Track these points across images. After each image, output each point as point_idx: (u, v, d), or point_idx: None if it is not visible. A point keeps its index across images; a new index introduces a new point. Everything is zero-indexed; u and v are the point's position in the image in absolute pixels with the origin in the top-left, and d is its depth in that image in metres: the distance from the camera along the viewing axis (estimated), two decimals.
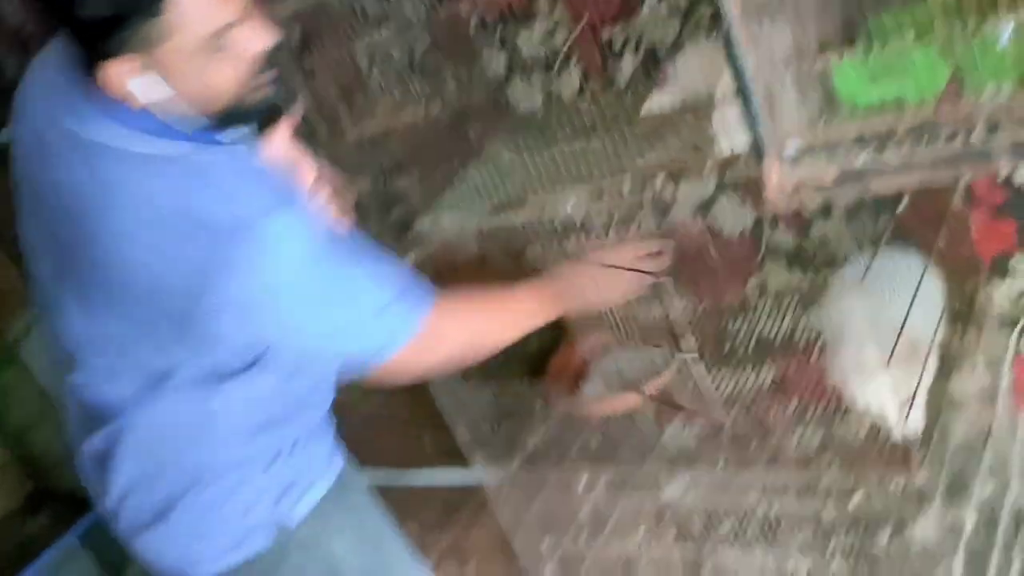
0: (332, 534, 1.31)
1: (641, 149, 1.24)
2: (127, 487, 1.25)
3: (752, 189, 0.97)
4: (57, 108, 1.09)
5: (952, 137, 0.81)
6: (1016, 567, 1.53)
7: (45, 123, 1.11)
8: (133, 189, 1.04)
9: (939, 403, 1.36)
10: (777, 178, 0.89)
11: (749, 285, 1.65)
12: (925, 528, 1.30)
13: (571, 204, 1.24)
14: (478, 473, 1.76)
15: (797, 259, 1.65)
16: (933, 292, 1.38)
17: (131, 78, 0.99)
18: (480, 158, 1.40)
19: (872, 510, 1.39)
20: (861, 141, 0.85)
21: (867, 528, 1.51)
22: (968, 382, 1.44)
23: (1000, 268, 1.57)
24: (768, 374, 1.54)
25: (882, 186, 0.83)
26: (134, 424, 1.19)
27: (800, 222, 1.52)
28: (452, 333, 1.22)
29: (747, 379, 1.54)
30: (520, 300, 1.31)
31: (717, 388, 1.49)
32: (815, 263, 1.52)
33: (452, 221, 1.34)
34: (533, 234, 1.39)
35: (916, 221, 1.49)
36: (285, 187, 1.12)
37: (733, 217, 1.46)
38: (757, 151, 0.89)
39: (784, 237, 1.56)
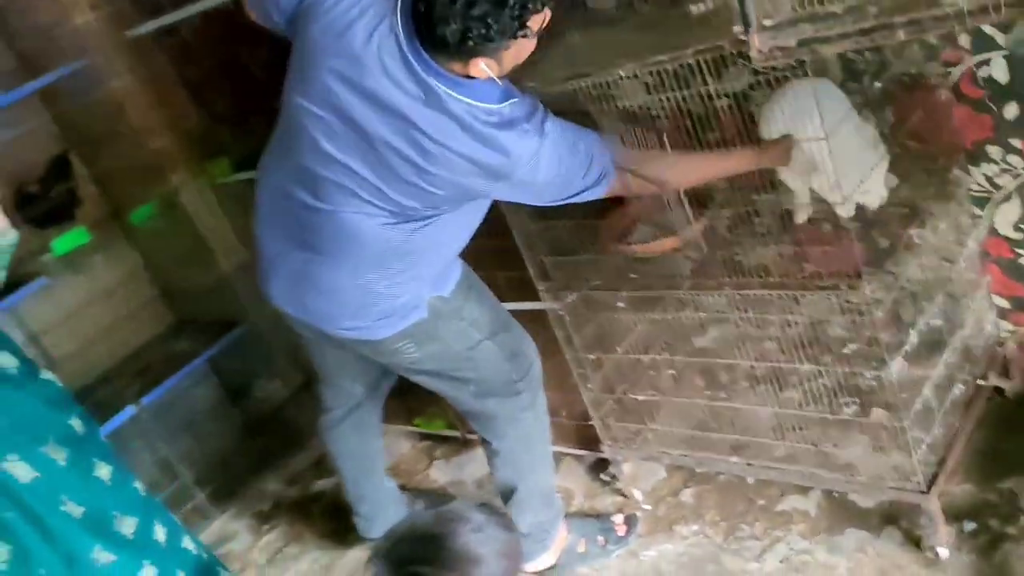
0: (465, 302, 1.91)
1: (681, 37, 1.63)
2: (331, 287, 1.78)
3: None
4: (389, 44, 1.54)
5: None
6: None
7: (370, 44, 1.55)
8: (452, 126, 1.54)
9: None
10: (758, 43, 1.29)
11: None
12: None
13: (622, 73, 1.66)
14: (544, 302, 2.20)
15: None
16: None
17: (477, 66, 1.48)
18: (560, 39, 1.82)
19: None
20: (815, 19, 1.24)
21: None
22: (931, 237, 1.82)
23: (977, 153, 1.92)
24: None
25: (826, 51, 1.23)
26: (356, 240, 1.71)
27: None
28: (634, 185, 1.78)
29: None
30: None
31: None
32: None
33: (538, 84, 1.77)
34: (595, 95, 1.81)
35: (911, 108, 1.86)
36: (536, 122, 1.60)
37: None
38: (746, 24, 1.28)
39: None
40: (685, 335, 2.19)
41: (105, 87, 2.90)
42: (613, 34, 1.88)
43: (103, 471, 1.36)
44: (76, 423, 1.35)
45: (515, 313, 2.12)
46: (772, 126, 1.75)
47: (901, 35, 1.16)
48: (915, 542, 1.93)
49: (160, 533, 1.45)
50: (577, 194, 1.71)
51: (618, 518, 2.29)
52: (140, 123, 2.94)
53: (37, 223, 3.01)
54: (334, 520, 2.81)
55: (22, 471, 1.20)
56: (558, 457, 2.61)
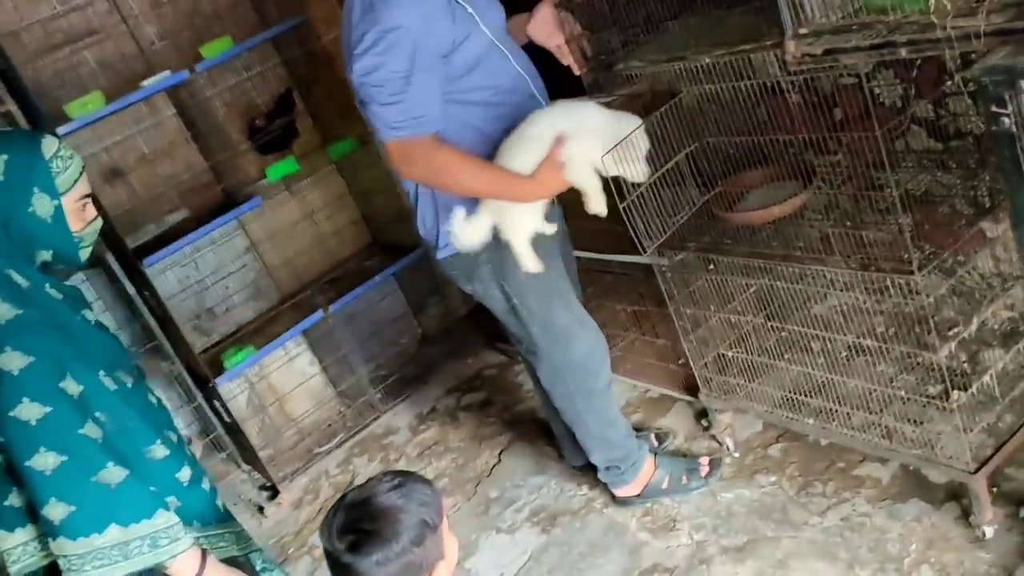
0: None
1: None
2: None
3: None
4: None
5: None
6: None
7: None
8: None
9: None
10: (791, 49, 1.45)
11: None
12: None
13: (708, 61, 1.84)
14: (653, 258, 2.42)
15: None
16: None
17: None
18: (658, 28, 2.02)
19: None
20: (844, 31, 1.38)
21: None
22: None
23: None
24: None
25: (844, 59, 1.37)
26: None
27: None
28: (418, 165, 1.98)
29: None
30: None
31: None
32: None
33: (637, 66, 1.99)
34: (686, 79, 2.00)
35: None
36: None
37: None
38: (782, 32, 1.44)
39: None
40: (793, 302, 2.33)
41: (321, 39, 3.39)
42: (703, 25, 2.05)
43: (153, 398, 1.76)
44: (134, 366, 1.75)
45: (623, 266, 2.36)
46: (522, 157, 1.98)
47: (903, 53, 1.27)
48: (969, 519, 2.02)
49: (190, 452, 1.83)
50: (365, 104, 1.95)
51: (704, 460, 2.52)
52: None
53: (260, 150, 3.60)
54: (475, 428, 3.24)
55: (109, 383, 1.59)
56: (669, 400, 2.86)
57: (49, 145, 1.57)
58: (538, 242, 2.14)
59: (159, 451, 1.62)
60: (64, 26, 3.22)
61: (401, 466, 3.23)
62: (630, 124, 1.98)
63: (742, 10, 2.04)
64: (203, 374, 3.18)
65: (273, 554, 3.06)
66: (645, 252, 2.39)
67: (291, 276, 3.75)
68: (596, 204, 2.04)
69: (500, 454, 3.04)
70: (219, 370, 3.21)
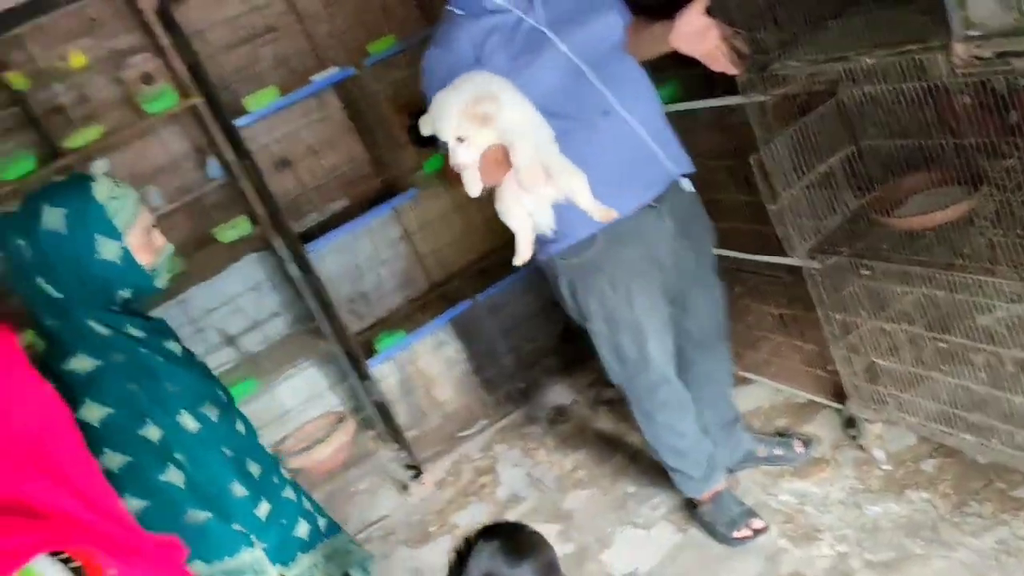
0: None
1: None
2: None
3: None
4: None
5: None
6: None
7: None
8: None
9: None
10: (959, 52, 1.39)
11: None
12: None
13: (871, 61, 1.78)
14: (804, 261, 2.37)
15: None
16: None
17: None
18: (817, 27, 1.97)
19: None
20: (1017, 33, 1.31)
21: None
22: None
23: None
24: None
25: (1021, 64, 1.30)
26: None
27: None
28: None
29: None
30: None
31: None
32: None
33: (794, 66, 1.95)
34: (845, 79, 1.94)
35: None
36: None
37: None
38: (950, 36, 1.39)
39: None
40: (955, 312, 2.22)
41: None
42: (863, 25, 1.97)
43: (241, 425, 1.76)
44: (221, 392, 1.75)
45: (771, 267, 2.32)
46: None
47: None
48: None
49: (275, 479, 1.81)
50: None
51: (797, 441, 2.62)
52: None
53: (419, 143, 3.73)
54: (615, 423, 3.27)
55: (190, 423, 1.60)
56: (815, 407, 2.79)
57: (101, 188, 1.56)
58: (616, 263, 2.16)
59: (238, 490, 1.64)
60: (245, 24, 3.46)
61: (540, 456, 3.30)
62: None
63: (910, 9, 1.97)
64: (356, 355, 3.35)
65: (415, 531, 3.20)
66: (792, 254, 2.36)
67: (439, 265, 3.88)
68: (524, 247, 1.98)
69: (638, 451, 3.06)
70: (371, 352, 3.37)
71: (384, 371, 3.64)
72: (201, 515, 1.55)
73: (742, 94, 2.18)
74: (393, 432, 3.53)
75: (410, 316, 3.69)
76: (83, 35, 3.16)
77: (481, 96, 1.80)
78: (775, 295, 3.02)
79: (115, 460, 1.46)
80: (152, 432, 1.50)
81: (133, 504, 1.44)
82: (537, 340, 3.94)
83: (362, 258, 3.73)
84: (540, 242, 2.08)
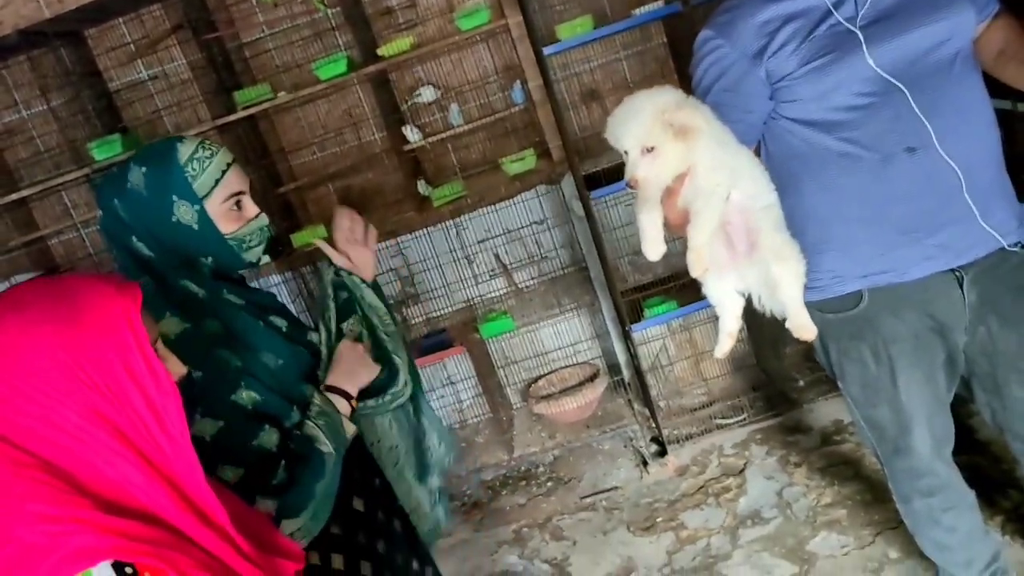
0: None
1: None
2: None
3: None
4: None
5: None
6: None
7: None
8: None
9: None
10: None
11: None
12: None
13: None
14: None
15: None
16: None
17: None
18: None
19: None
20: None
21: None
22: None
23: None
24: None
25: None
26: None
27: None
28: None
29: None
30: None
31: None
32: None
33: None
34: None
35: None
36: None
37: None
38: None
39: None
40: None
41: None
42: None
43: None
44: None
45: None
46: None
47: None
48: None
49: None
50: None
51: None
52: None
53: None
54: None
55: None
56: None
57: (185, 149, 1.46)
58: (882, 332, 1.69)
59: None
60: None
61: (798, 476, 2.89)
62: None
63: None
64: (623, 314, 3.13)
65: (640, 515, 2.98)
66: None
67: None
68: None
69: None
70: (638, 315, 3.12)
71: (650, 334, 3.39)
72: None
73: None
74: (646, 401, 3.30)
75: (691, 283, 3.36)
76: None
77: (685, 103, 1.37)
78: None
79: (206, 426, 1.39)
80: (245, 397, 1.43)
81: (227, 474, 1.37)
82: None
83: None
84: None
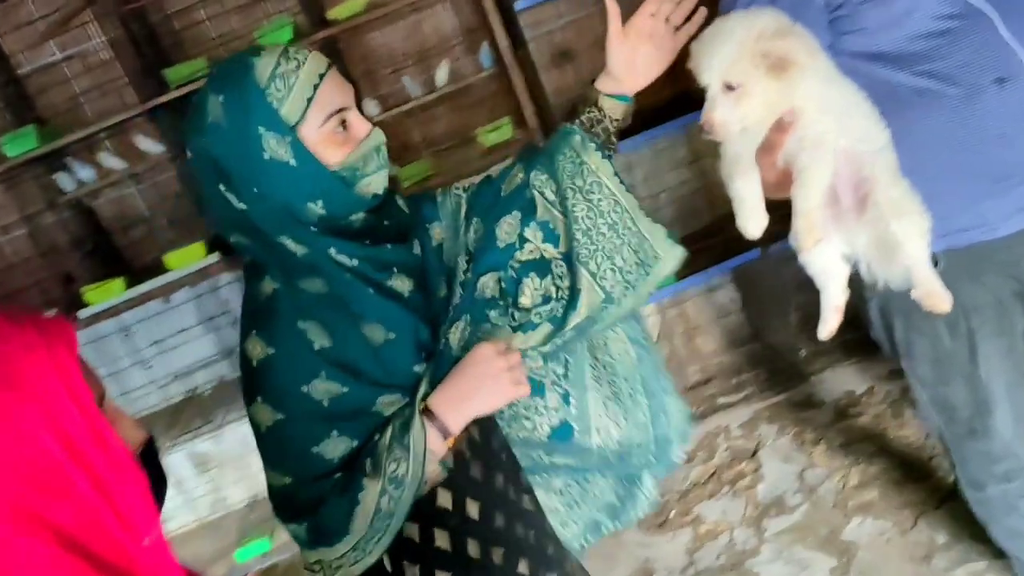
0: None
1: None
2: None
3: None
4: None
5: None
6: None
7: None
8: None
9: None
10: None
11: None
12: None
13: None
14: None
15: None
16: None
17: None
18: None
19: None
20: None
21: None
22: None
23: None
24: None
25: None
26: None
27: None
28: None
29: None
30: None
31: None
32: None
33: None
34: None
35: None
36: None
37: None
38: None
39: None
40: None
41: None
42: None
43: None
44: None
45: None
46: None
47: None
48: None
49: None
50: None
51: None
52: None
53: None
54: (924, 436, 2.56)
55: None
56: None
57: (264, 65, 1.12)
58: (961, 300, 1.36)
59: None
60: None
61: (818, 455, 2.67)
62: None
63: None
64: None
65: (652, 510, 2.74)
66: None
67: (727, 200, 3.25)
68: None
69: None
70: None
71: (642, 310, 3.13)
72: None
73: None
74: None
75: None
76: None
77: (789, 30, 1.10)
78: None
79: (264, 415, 1.14)
80: (320, 388, 1.15)
81: (274, 479, 1.17)
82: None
83: (639, 178, 3.18)
84: None
